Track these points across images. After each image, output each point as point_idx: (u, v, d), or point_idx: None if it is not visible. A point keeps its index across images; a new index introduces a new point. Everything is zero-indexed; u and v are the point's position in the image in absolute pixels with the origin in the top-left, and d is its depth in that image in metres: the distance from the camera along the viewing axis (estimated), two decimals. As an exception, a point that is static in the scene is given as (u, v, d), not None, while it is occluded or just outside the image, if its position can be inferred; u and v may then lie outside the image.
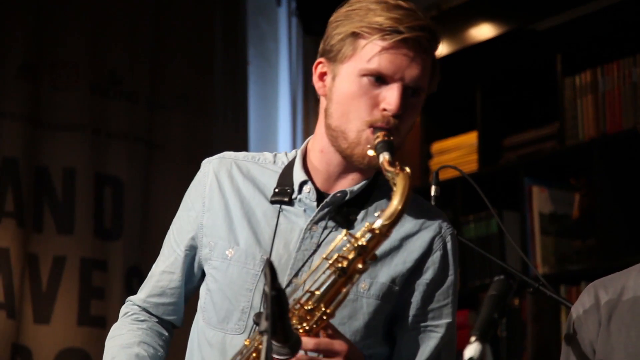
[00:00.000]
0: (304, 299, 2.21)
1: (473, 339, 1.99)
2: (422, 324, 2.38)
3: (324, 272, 2.21)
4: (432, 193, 3.14)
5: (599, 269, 4.07)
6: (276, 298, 1.95)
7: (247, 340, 2.26)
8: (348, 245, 2.22)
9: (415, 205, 2.43)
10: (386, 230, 2.23)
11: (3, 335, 4.81)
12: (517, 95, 5.37)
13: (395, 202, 2.23)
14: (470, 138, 5.37)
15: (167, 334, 2.54)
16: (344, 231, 2.25)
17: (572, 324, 2.55)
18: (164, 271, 2.52)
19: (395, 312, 2.38)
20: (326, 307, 2.20)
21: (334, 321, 2.28)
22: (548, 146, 5.04)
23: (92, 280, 5.08)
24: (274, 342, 2.06)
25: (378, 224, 2.23)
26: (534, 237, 4.94)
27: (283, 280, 2.32)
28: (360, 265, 2.21)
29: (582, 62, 4.93)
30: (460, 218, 5.22)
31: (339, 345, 2.19)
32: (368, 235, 2.22)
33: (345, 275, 2.21)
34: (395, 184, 2.24)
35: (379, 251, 2.29)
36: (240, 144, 5.44)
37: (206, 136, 5.41)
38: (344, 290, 2.21)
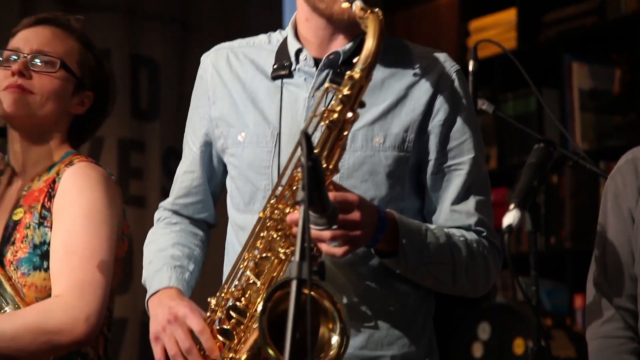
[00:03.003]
0: None
1: (512, 206, 1.98)
2: (445, 165, 2.37)
3: (319, 131, 2.21)
4: (470, 68, 3.10)
5: (638, 144, 4.02)
6: (312, 168, 1.94)
7: (261, 212, 2.27)
8: (334, 99, 2.22)
9: (416, 51, 2.43)
10: (365, 74, 2.23)
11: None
12: (556, -30, 5.26)
13: (369, 44, 2.23)
14: (509, 15, 5.28)
15: (202, 233, 2.56)
16: (326, 85, 2.26)
17: (610, 192, 2.53)
18: (185, 171, 2.55)
19: (418, 161, 2.37)
20: (328, 164, 2.20)
21: (356, 179, 2.31)
22: (589, 21, 4.96)
23: (131, 161, 5.11)
24: (311, 213, 2.06)
25: (357, 69, 2.23)
26: (574, 114, 4.89)
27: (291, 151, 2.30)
28: (349, 115, 2.21)
29: None
30: (499, 96, 5.18)
31: (351, 196, 2.19)
32: (350, 84, 2.22)
33: (336, 128, 2.21)
34: (366, 27, 2.25)
35: (386, 105, 2.32)
36: (275, 24, 5.38)
37: (241, 17, 5.37)
38: (341, 143, 2.21)
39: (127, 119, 5.10)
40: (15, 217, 2.59)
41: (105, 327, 2.60)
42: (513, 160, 5.14)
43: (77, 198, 2.55)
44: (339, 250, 2.20)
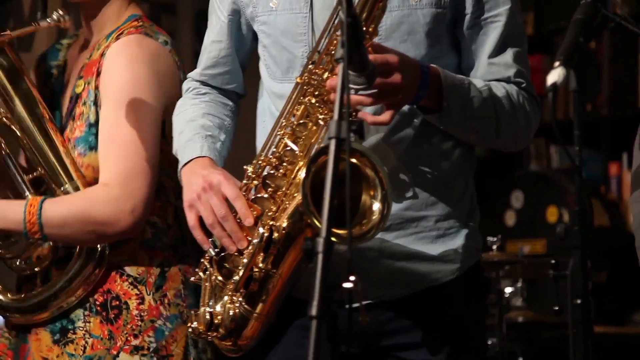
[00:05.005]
0: None
1: (557, 63, 1.92)
2: (482, 18, 2.31)
3: None
4: None
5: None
6: (352, 25, 1.89)
7: (299, 78, 2.22)
8: None
9: None
10: None
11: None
12: None
13: None
14: None
15: (231, 103, 2.52)
16: None
17: None
18: (213, 41, 2.48)
19: (454, 16, 2.32)
20: (367, 26, 2.15)
21: (394, 40, 2.26)
22: None
23: (162, 24, 5.06)
24: (350, 72, 2.02)
25: None
26: (613, -24, 4.79)
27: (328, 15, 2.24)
28: None
29: None
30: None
31: (391, 57, 2.14)
32: None
33: None
34: None
35: None
36: None
37: None
38: (380, 4, 2.15)
39: (159, -19, 5.04)
40: (77, 90, 2.55)
41: (173, 197, 2.58)
42: (550, 25, 5.05)
43: (115, 79, 2.47)
44: (384, 118, 2.16)
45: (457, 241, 2.33)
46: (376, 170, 2.08)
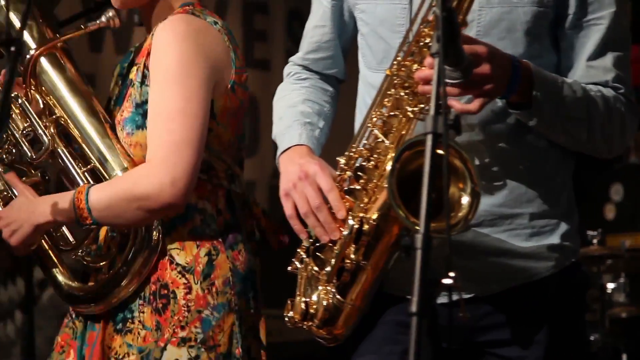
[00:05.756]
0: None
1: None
2: (584, 20, 2.27)
3: None
4: None
5: None
6: (447, 19, 1.87)
7: (388, 69, 2.21)
8: None
9: None
10: None
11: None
12: None
13: None
14: None
15: (332, 89, 2.52)
16: None
17: None
18: (316, 25, 2.49)
19: (557, 15, 2.27)
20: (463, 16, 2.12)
21: (493, 36, 2.22)
22: None
23: (255, 23, 5.09)
24: (445, 67, 1.99)
25: None
26: None
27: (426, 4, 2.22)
28: None
29: None
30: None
31: (480, 48, 2.11)
32: None
33: None
34: None
35: None
36: None
37: None
38: None
39: (251, -19, 5.07)
40: (131, 76, 2.56)
41: (225, 180, 2.59)
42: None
43: (162, 55, 2.46)
44: (472, 106, 2.14)
45: (552, 239, 2.30)
46: (465, 162, 2.05)
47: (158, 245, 2.50)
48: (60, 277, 2.61)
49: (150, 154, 2.44)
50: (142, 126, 2.49)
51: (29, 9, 1.84)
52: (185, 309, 2.48)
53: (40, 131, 2.58)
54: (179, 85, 2.43)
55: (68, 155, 2.56)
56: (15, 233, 2.52)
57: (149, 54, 2.50)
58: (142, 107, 2.49)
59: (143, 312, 2.50)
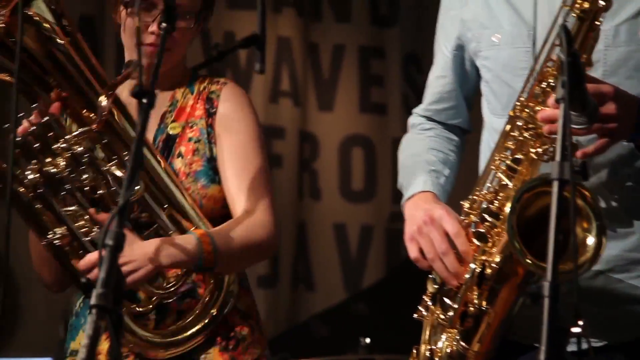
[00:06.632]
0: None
1: None
2: None
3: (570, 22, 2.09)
4: None
5: None
6: (572, 64, 1.86)
7: (511, 111, 2.20)
8: None
9: None
10: None
11: (291, 122, 4.99)
12: None
13: None
14: None
15: (456, 138, 2.52)
16: None
17: None
18: (438, 76, 2.50)
19: None
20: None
21: (620, 76, 2.20)
22: None
23: (371, 68, 5.12)
24: (571, 112, 1.98)
25: None
26: None
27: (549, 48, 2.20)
28: (602, 3, 2.08)
29: None
30: None
31: (605, 87, 2.08)
32: None
33: (588, 18, 2.09)
34: None
35: None
36: None
37: None
38: (592, 34, 2.09)
39: (367, 25, 5.09)
40: (173, 132, 2.70)
41: None
42: None
43: (243, 117, 2.70)
44: (595, 147, 2.12)
45: None
46: (589, 202, 2.03)
47: (231, 295, 2.66)
48: (134, 326, 2.63)
49: (249, 206, 2.65)
50: (215, 180, 2.67)
51: (159, 64, 1.89)
52: (253, 346, 2.68)
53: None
54: (258, 146, 2.70)
55: (153, 200, 2.64)
56: (134, 272, 2.54)
57: (209, 113, 2.69)
58: (212, 163, 2.67)
59: (210, 353, 2.65)
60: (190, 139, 2.69)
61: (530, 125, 2.18)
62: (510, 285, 2.16)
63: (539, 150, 2.16)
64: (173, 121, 2.72)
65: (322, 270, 5.09)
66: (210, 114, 2.70)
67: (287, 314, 5.05)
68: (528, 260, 2.02)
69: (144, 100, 1.82)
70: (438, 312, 2.22)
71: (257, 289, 4.90)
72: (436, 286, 2.24)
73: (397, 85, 5.07)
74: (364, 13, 5.08)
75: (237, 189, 2.66)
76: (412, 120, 2.55)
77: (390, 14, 5.15)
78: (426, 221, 2.24)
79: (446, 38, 2.46)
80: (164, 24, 1.96)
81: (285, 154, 5.02)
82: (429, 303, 2.25)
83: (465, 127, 2.52)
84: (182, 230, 2.60)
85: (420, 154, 2.44)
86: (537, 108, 2.17)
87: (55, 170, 2.54)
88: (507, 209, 2.13)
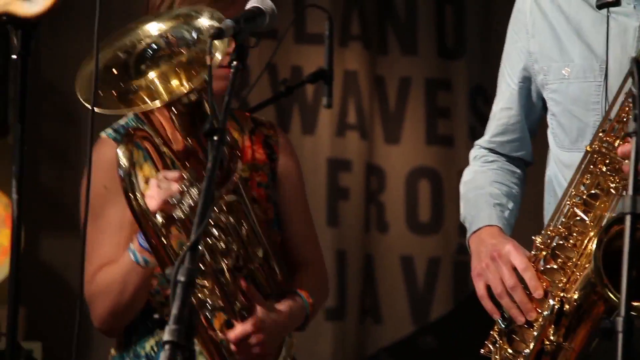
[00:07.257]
0: None
1: None
2: None
3: None
4: None
5: None
6: (645, 98, 1.85)
7: (588, 146, 2.18)
8: None
9: None
10: None
11: (358, 155, 5.00)
12: None
13: None
14: None
15: (519, 171, 2.52)
16: None
17: None
18: (503, 108, 2.49)
19: None
20: None
21: None
22: None
23: (437, 100, 5.12)
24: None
25: None
26: None
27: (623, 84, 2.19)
28: None
29: None
30: None
31: None
32: None
33: None
34: None
35: None
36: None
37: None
38: None
39: (434, 57, 5.09)
40: (245, 174, 2.59)
41: None
42: None
43: (299, 168, 2.71)
44: None
45: None
46: None
47: None
48: None
49: (314, 257, 2.70)
50: (277, 226, 2.64)
51: (229, 101, 1.91)
52: None
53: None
54: (305, 194, 2.73)
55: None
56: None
57: (272, 160, 2.63)
58: (276, 209, 2.64)
59: None
60: (259, 184, 2.64)
61: (608, 161, 2.17)
62: (589, 323, 2.14)
63: (618, 185, 2.15)
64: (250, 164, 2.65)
65: (389, 302, 5.07)
66: (272, 159, 2.65)
67: (355, 346, 5.04)
68: (614, 297, 1.99)
69: (215, 137, 1.84)
70: (506, 347, 2.20)
71: (325, 321, 4.89)
72: (505, 322, 2.22)
73: (463, 117, 5.06)
74: (430, 45, 5.08)
75: (302, 240, 2.68)
76: (475, 152, 2.54)
77: (457, 45, 5.14)
78: (493, 257, 2.23)
79: (512, 69, 2.46)
80: (234, 62, 1.97)
81: (352, 186, 5.03)
82: (497, 338, 2.23)
83: (528, 160, 2.52)
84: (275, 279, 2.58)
85: (483, 187, 2.43)
86: (616, 143, 2.15)
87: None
88: (591, 244, 2.12)
